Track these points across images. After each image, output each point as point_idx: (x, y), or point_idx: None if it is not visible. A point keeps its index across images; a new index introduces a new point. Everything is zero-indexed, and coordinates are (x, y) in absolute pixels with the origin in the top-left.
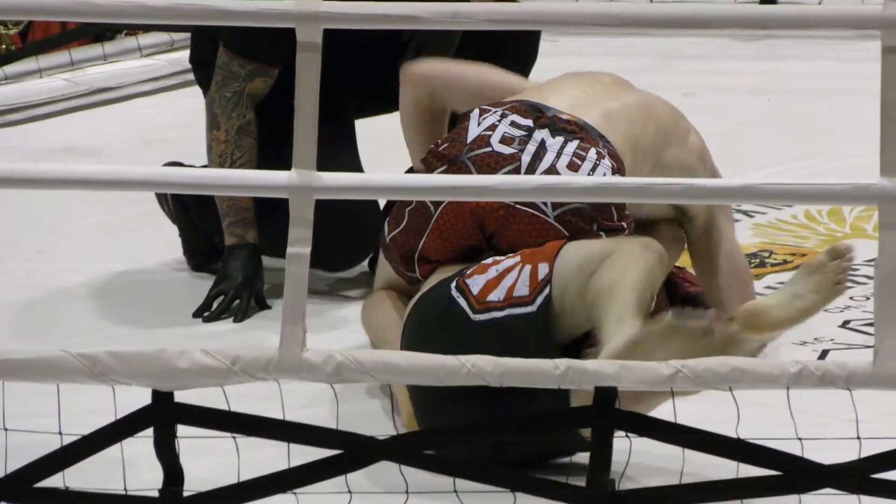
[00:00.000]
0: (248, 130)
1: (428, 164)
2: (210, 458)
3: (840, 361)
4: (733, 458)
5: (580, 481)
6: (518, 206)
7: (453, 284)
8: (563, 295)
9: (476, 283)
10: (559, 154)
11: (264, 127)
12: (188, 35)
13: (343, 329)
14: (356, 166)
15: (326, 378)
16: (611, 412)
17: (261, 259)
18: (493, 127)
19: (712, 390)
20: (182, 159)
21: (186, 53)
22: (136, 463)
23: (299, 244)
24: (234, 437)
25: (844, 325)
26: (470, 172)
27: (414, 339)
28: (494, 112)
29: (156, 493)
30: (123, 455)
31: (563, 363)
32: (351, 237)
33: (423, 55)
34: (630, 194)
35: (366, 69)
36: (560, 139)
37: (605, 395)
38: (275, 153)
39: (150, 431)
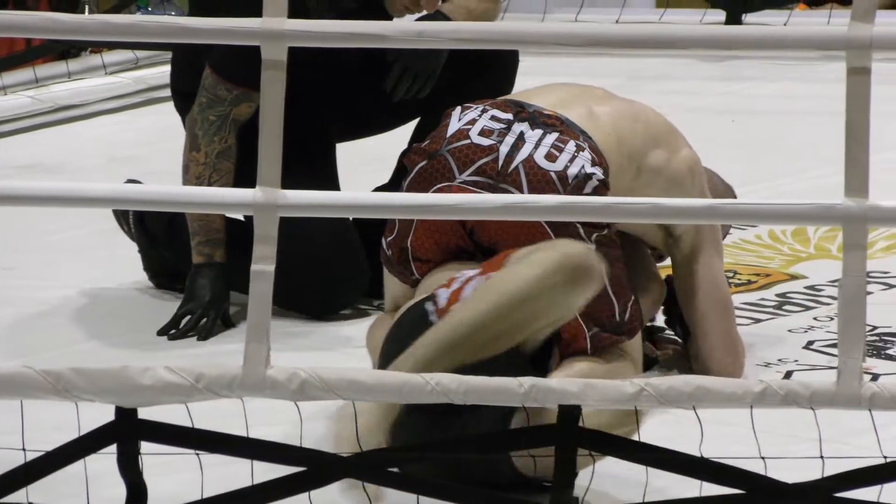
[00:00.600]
0: (227, 155)
1: (410, 160)
2: (173, 475)
3: (804, 381)
4: (697, 476)
5: (543, 499)
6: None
7: (428, 300)
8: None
9: (442, 295)
10: (537, 145)
11: (240, 150)
12: (153, 53)
13: (336, 351)
14: (334, 189)
15: (290, 395)
16: (574, 430)
17: (226, 279)
18: (472, 121)
19: (676, 409)
20: (146, 176)
21: (151, 71)
22: (100, 479)
23: (263, 262)
24: (198, 454)
25: (808, 345)
26: (448, 165)
27: (390, 350)
28: (475, 108)
29: None
30: (87, 471)
31: (527, 381)
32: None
33: (407, 76)
34: (593, 213)
35: (350, 91)
36: (539, 131)
37: (569, 414)
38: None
39: (113, 448)
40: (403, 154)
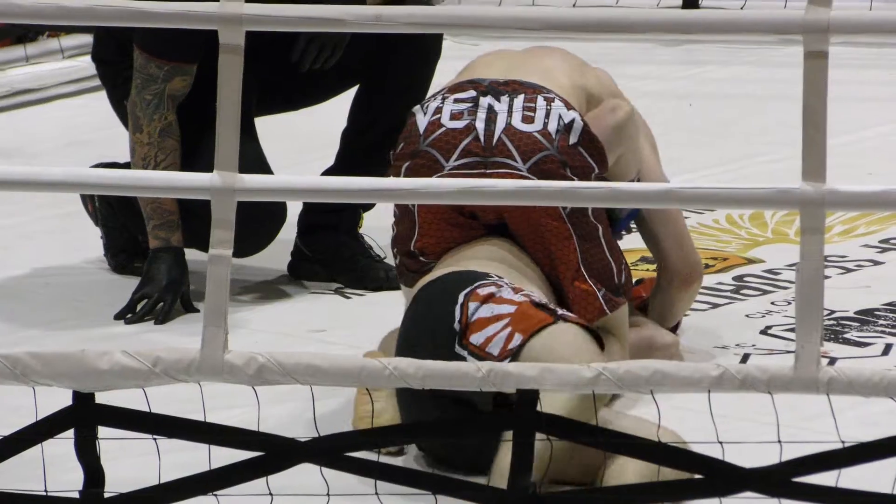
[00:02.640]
0: (169, 132)
1: (393, 168)
2: (131, 460)
3: (761, 365)
4: (655, 460)
5: (501, 483)
6: (488, 171)
7: (456, 342)
8: None
9: (478, 339)
10: (510, 112)
11: (184, 128)
12: None
13: (295, 336)
14: (263, 161)
15: (248, 380)
16: (532, 415)
17: (185, 262)
18: (438, 110)
19: (634, 394)
20: (105, 160)
21: None
22: (57, 464)
23: (221, 246)
24: (155, 439)
25: (766, 330)
26: (433, 157)
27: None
28: (434, 98)
29: (77, 495)
30: (44, 456)
31: (485, 366)
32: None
33: (312, 47)
34: (552, 198)
35: (265, 65)
36: (506, 98)
37: (527, 398)
38: (193, 155)
39: (71, 433)
40: (345, 135)
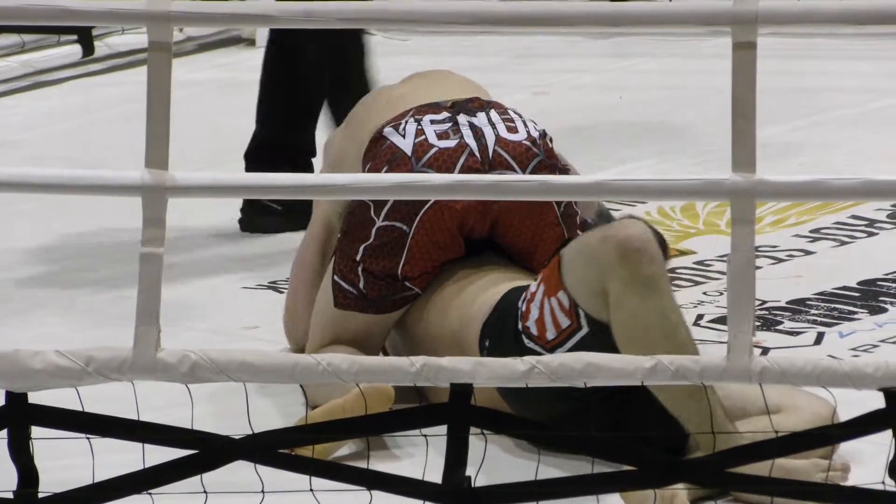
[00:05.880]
0: None
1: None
2: (65, 460)
3: (693, 356)
4: (589, 454)
5: (436, 478)
6: None
7: (520, 327)
8: (593, 307)
9: (533, 326)
10: (493, 125)
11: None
12: (40, 36)
13: (226, 333)
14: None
15: (181, 378)
16: (466, 409)
17: None
18: (420, 132)
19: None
20: (34, 161)
21: (38, 55)
22: None
23: (153, 244)
24: (89, 439)
25: (698, 320)
26: None
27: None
28: (404, 121)
29: (10, 495)
30: None
31: (419, 360)
32: None
33: None
34: (485, 191)
35: None
36: (482, 114)
37: (461, 392)
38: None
39: (3, 433)
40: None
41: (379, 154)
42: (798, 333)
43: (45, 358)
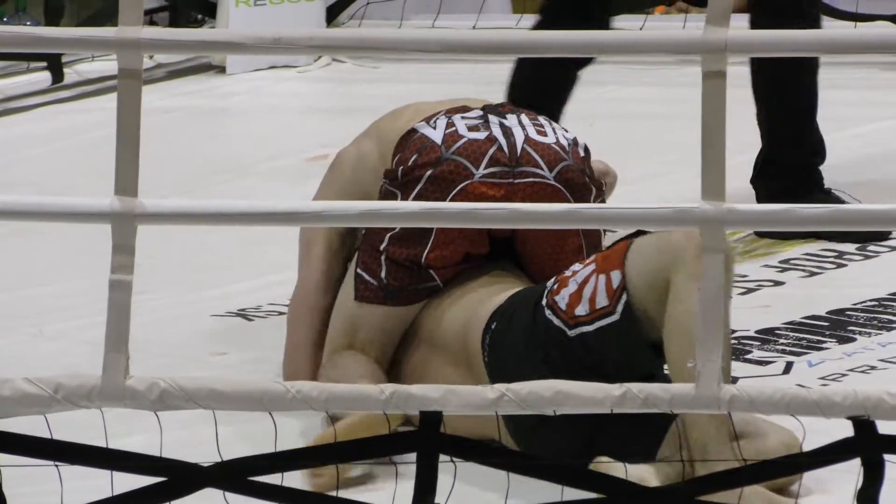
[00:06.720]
0: None
1: (412, 179)
2: (33, 487)
3: (663, 384)
4: (558, 481)
5: None
6: (516, 180)
7: (544, 303)
8: (642, 297)
9: (563, 299)
10: (523, 126)
11: None
12: (8, 64)
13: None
14: None
15: (150, 405)
16: (436, 436)
17: None
18: (451, 124)
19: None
20: (2, 187)
21: (6, 82)
22: None
23: (122, 271)
24: (57, 466)
25: None
26: (462, 164)
27: (506, 364)
28: (437, 117)
29: None
30: None
31: (388, 388)
32: None
33: None
34: (455, 219)
35: None
36: (512, 116)
37: (430, 420)
38: None
39: None
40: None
41: (409, 146)
42: (767, 363)
43: (14, 385)
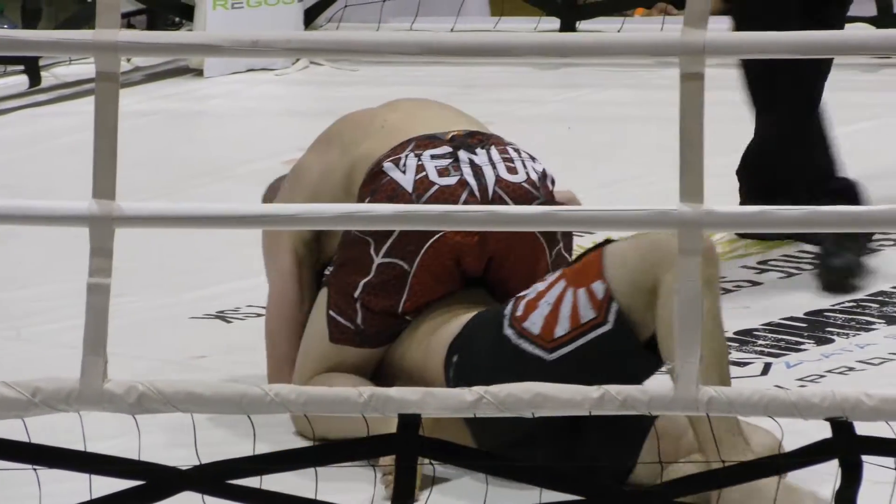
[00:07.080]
0: None
1: (375, 233)
2: (11, 490)
3: (641, 386)
4: (537, 483)
5: None
6: None
7: (510, 332)
8: (630, 302)
9: (534, 324)
10: (493, 165)
11: None
12: None
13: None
14: None
15: (128, 409)
16: (415, 439)
17: None
18: (421, 168)
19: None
20: None
21: None
22: None
23: (100, 275)
24: (35, 470)
25: None
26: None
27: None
28: (405, 155)
29: None
30: None
31: (366, 391)
32: None
33: None
34: (429, 221)
35: None
36: (482, 151)
37: (409, 422)
38: None
39: None
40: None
41: (379, 189)
42: (745, 364)
43: None
